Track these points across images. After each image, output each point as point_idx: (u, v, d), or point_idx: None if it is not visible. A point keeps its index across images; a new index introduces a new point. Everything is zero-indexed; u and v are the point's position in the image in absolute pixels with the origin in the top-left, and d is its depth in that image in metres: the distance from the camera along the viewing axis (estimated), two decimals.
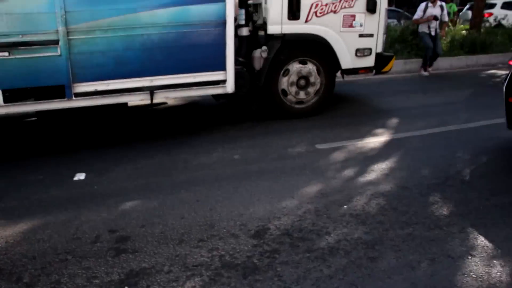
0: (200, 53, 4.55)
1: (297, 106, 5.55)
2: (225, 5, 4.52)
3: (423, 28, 8.99)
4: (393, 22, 13.30)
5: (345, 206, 3.17)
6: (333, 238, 2.77)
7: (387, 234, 2.81)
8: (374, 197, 3.32)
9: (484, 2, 13.11)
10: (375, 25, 5.82)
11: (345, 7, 5.53)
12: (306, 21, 5.34)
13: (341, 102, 6.31)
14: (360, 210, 3.11)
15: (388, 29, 10.04)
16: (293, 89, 5.46)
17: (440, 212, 3.12)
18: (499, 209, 3.18)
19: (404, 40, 10.49)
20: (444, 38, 10.10)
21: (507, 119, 4.10)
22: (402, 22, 12.73)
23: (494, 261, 2.57)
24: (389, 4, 19.23)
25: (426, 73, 9.07)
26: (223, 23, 4.56)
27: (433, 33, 8.88)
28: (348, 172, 3.81)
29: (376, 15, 5.77)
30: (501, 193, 3.42)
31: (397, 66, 8.64)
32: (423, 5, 8.94)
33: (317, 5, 5.35)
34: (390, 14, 15.41)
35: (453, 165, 3.99)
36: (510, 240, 2.78)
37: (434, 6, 8.83)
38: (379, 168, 3.89)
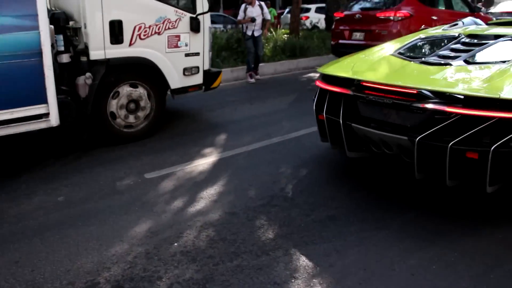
0: (15, 87, 4.20)
1: (126, 130, 5.44)
2: (39, 33, 4.22)
3: (245, 30, 9.41)
4: (220, 27, 13.68)
5: (176, 244, 3.18)
6: (165, 283, 2.77)
7: (217, 269, 2.89)
8: (203, 229, 3.39)
9: (300, 8, 14.15)
10: (200, 43, 5.98)
11: (169, 28, 5.57)
12: (130, 44, 5.26)
13: (171, 119, 6.30)
14: (190, 246, 3.16)
15: (214, 36, 10.33)
16: (123, 112, 5.34)
17: (266, 236, 3.30)
18: (317, 224, 3.46)
19: (230, 47, 10.86)
20: (265, 36, 10.68)
21: (319, 133, 4.49)
22: (228, 27, 13.13)
23: (314, 280, 2.80)
24: (216, 8, 19.72)
25: (252, 80, 9.51)
26: (39, 53, 4.26)
27: (255, 34, 9.32)
28: (178, 203, 3.82)
29: (200, 34, 5.93)
30: (320, 207, 3.73)
31: (225, 74, 8.87)
32: (243, 6, 9.36)
33: (140, 27, 5.30)
34: (216, 19, 15.86)
35: (277, 182, 4.25)
36: (327, 255, 3.05)
37: (253, 6, 9.29)
38: (208, 195, 3.99)
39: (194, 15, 5.81)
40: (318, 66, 11.65)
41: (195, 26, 5.83)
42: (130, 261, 2.99)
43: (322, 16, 18.31)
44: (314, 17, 18.81)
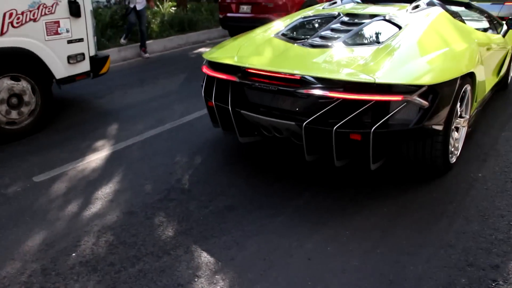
0: None
1: (8, 127, 5.05)
2: None
3: (127, 3, 9.21)
4: (103, 2, 13.02)
5: (74, 254, 3.07)
6: None
7: (119, 277, 2.85)
8: (102, 234, 3.31)
9: None
10: (83, 29, 5.70)
11: (45, 14, 5.22)
12: (2, 33, 4.86)
13: (57, 110, 5.97)
14: (89, 255, 3.07)
15: (97, 14, 9.87)
16: (3, 108, 4.97)
17: (166, 234, 3.30)
18: (216, 215, 3.51)
19: (115, 25, 10.43)
20: (152, 7, 10.46)
21: (211, 119, 4.51)
22: (112, 1, 12.54)
23: (217, 276, 2.85)
24: None
25: (124, 41, 9.42)
26: None
27: (138, 8, 9.11)
28: (72, 208, 3.67)
29: (82, 19, 5.65)
30: (217, 197, 3.78)
31: (112, 54, 8.57)
32: None
33: (11, 14, 4.91)
34: None
35: (173, 173, 4.23)
36: (228, 248, 3.11)
37: None
38: (103, 194, 3.87)
39: None
40: (209, 39, 11.68)
41: (75, 11, 5.52)
42: (24, 281, 2.83)
43: None
44: None
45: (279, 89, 3.68)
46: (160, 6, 12.41)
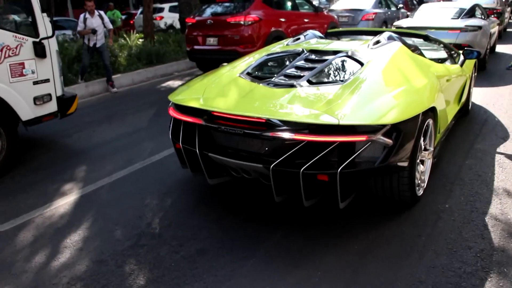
0: None
1: None
2: None
3: (86, 41, 9.16)
4: (69, 34, 12.95)
5: None
6: None
7: None
8: (71, 285, 3.22)
9: (152, 11, 13.88)
10: (49, 69, 5.67)
11: (9, 56, 5.19)
12: None
13: (24, 152, 5.87)
14: None
15: (63, 48, 9.81)
16: None
17: (137, 283, 3.24)
18: (187, 261, 3.47)
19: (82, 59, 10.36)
20: (111, 44, 10.43)
21: (179, 160, 4.49)
22: (77, 35, 12.49)
23: None
24: (65, 13, 18.58)
25: (82, 81, 9.34)
26: None
27: (97, 45, 9.10)
28: (39, 258, 3.57)
29: (47, 59, 5.61)
30: (188, 241, 3.74)
31: (79, 89, 8.55)
32: (82, 16, 9.11)
33: None
34: (65, 24, 15.00)
35: (143, 216, 4.17)
36: None
37: (92, 16, 9.06)
38: (72, 242, 3.79)
39: (37, 40, 5.46)
40: (177, 71, 11.70)
41: (40, 51, 5.49)
42: None
43: (177, 16, 18.17)
44: (169, 17, 18.61)
45: (245, 132, 3.69)
46: (127, 39, 12.40)
